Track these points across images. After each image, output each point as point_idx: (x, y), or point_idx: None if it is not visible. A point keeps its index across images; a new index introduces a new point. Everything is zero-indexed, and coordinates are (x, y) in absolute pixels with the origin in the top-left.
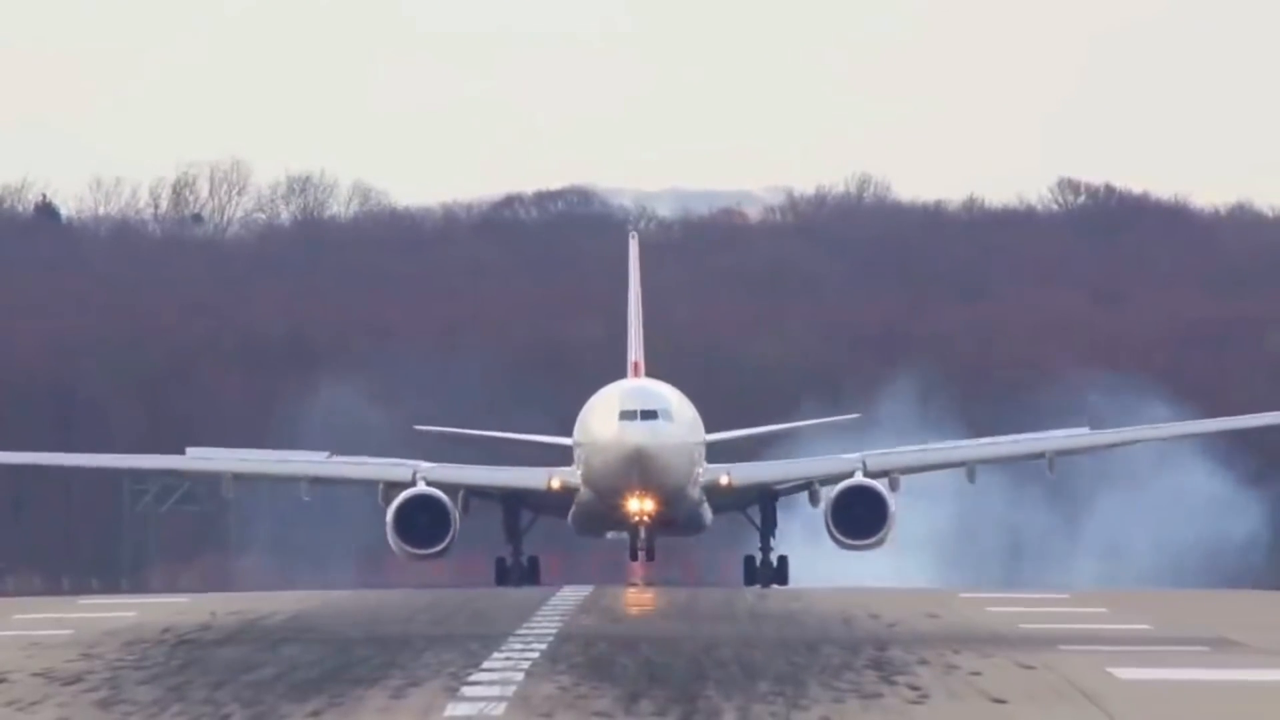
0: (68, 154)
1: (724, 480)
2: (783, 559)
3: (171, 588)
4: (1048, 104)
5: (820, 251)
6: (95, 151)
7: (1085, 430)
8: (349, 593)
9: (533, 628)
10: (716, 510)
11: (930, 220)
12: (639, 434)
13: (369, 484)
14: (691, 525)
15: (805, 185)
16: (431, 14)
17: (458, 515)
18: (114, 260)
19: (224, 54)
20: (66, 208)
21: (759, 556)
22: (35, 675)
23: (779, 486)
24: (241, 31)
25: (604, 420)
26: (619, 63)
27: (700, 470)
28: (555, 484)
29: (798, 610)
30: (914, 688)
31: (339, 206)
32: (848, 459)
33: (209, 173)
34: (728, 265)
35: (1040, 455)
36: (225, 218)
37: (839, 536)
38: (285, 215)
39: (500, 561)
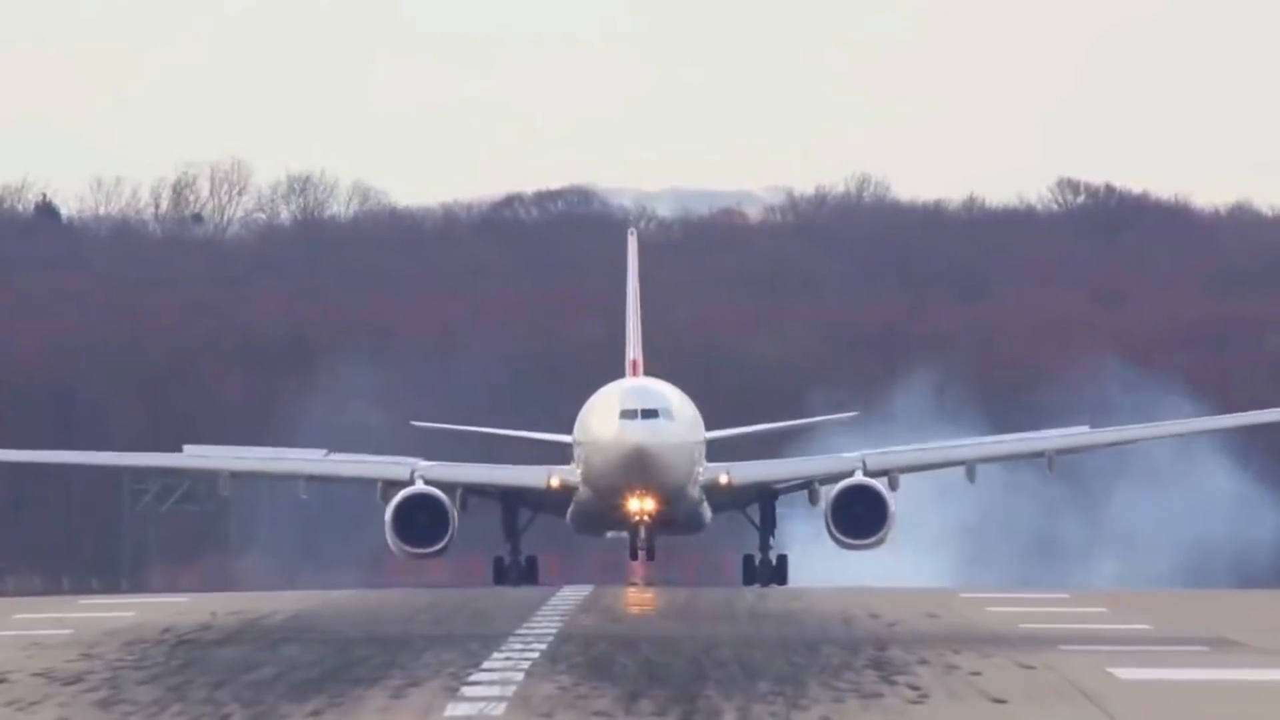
0: (68, 154)
1: (723, 479)
2: (782, 558)
3: (171, 587)
4: (1048, 104)
5: (820, 251)
6: (95, 151)
7: (1085, 429)
8: (349, 593)
9: (533, 628)
10: (716, 509)
11: (930, 220)
12: (639, 433)
13: (367, 482)
14: (691, 524)
15: (805, 185)
16: (431, 14)
17: (456, 514)
18: (114, 260)
19: (224, 54)
20: (67, 207)
21: (759, 556)
22: (35, 675)
23: (778, 486)
24: (241, 31)
25: (604, 419)
26: (619, 63)
27: (700, 469)
28: (554, 483)
29: (798, 610)
30: (914, 688)
31: (339, 206)
32: (847, 458)
33: (209, 173)
34: (728, 265)
35: (1040, 454)
36: (225, 218)
37: (839, 536)
38: (285, 215)
39: (498, 561)
